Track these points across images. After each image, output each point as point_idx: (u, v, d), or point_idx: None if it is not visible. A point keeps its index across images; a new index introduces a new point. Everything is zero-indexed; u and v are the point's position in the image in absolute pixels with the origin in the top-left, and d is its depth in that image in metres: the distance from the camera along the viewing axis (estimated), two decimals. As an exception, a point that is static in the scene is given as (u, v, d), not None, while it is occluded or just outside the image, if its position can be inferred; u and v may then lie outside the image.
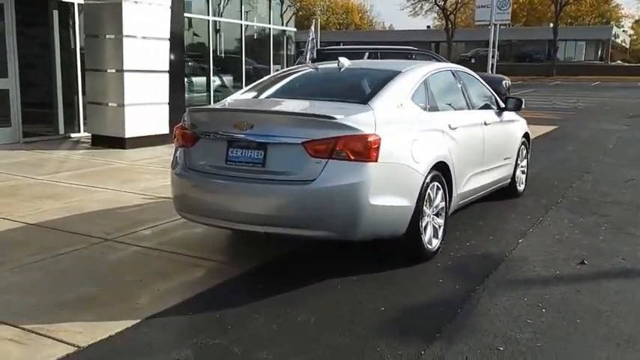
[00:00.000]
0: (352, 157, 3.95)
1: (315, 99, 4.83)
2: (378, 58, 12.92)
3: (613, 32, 63.20)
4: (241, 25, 15.62)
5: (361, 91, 4.83)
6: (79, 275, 4.31)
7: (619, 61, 61.00)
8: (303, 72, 5.72)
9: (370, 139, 4.00)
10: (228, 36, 15.71)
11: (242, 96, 5.28)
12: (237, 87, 15.69)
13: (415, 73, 5.05)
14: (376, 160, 4.02)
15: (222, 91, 15.31)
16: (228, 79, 15.83)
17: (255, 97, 5.17)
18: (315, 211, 3.99)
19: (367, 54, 13.21)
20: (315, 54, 10.85)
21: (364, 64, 6.14)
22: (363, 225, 4.08)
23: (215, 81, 14.97)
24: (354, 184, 3.95)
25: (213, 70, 14.72)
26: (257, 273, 4.43)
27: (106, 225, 5.50)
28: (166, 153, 9.78)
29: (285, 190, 4.03)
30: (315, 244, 4.85)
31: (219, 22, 14.95)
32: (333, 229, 4.07)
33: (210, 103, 14.43)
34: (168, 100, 10.72)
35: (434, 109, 5.05)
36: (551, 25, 52.09)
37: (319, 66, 6.14)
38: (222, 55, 15.67)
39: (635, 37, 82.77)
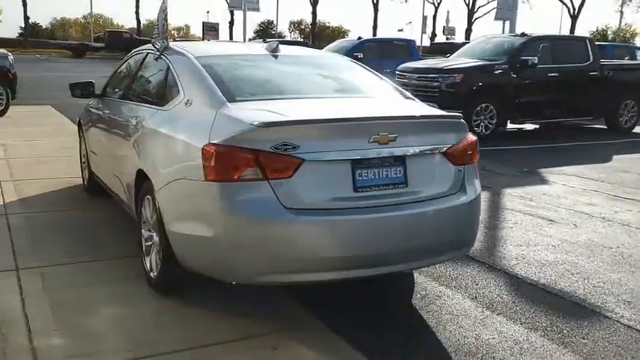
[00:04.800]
0: (475, 161, 3.62)
1: (360, 97, 4.07)
2: None
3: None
4: None
5: (383, 85, 4.27)
6: None
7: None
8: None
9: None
10: None
11: (251, 101, 3.53)
12: None
13: None
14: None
15: None
16: None
17: (282, 98, 3.68)
18: (467, 228, 3.57)
19: None
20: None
21: (288, 50, 4.79)
22: None
23: None
24: (481, 191, 3.66)
25: None
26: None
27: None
28: None
29: (446, 211, 3.37)
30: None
31: None
32: (465, 247, 3.65)
33: None
34: None
35: None
36: None
37: (250, 53, 4.64)
38: None
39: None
